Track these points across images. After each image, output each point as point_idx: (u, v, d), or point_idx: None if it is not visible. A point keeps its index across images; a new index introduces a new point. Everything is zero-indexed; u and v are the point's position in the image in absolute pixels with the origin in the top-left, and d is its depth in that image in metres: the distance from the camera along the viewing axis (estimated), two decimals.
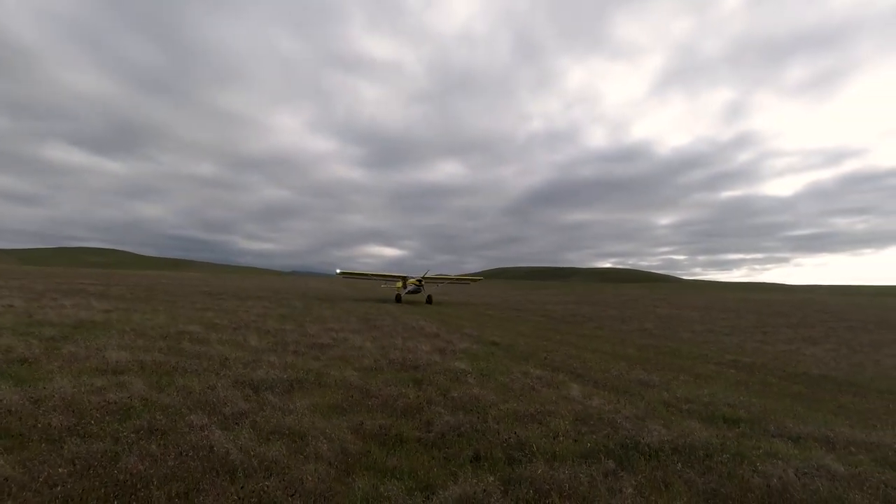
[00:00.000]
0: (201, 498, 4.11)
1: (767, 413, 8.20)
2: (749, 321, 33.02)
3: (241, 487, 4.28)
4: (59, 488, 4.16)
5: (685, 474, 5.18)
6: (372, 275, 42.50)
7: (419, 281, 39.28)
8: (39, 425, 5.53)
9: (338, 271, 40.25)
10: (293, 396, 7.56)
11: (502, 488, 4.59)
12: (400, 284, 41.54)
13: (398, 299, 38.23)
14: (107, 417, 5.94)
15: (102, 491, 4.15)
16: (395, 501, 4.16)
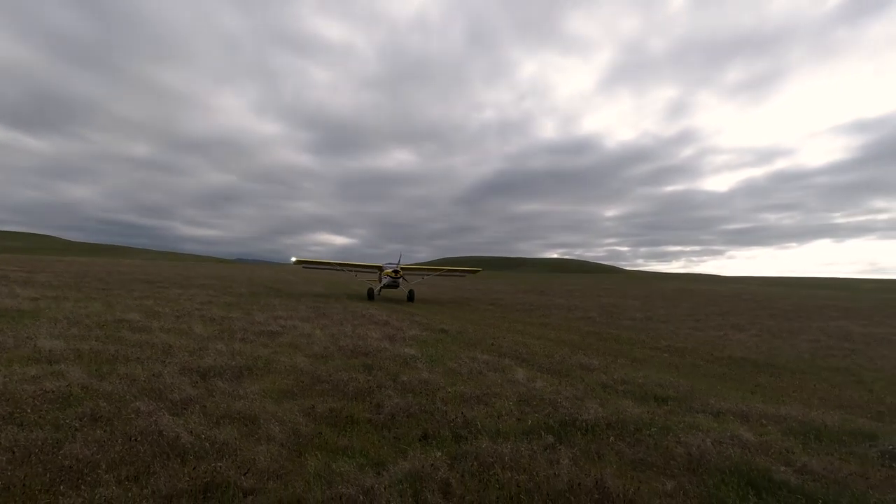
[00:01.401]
0: (153, 480, 4.13)
1: (693, 392, 8.91)
2: (684, 310, 35.03)
3: (193, 468, 4.33)
4: None
5: (617, 446, 5.64)
6: (335, 264, 33.93)
7: (395, 272, 30.58)
8: None
9: (293, 259, 32.43)
10: (243, 382, 7.55)
11: (449, 462, 4.86)
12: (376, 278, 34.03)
13: (370, 296, 30.34)
14: (45, 406, 5.77)
15: (47, 477, 4.10)
16: (347, 477, 4.33)
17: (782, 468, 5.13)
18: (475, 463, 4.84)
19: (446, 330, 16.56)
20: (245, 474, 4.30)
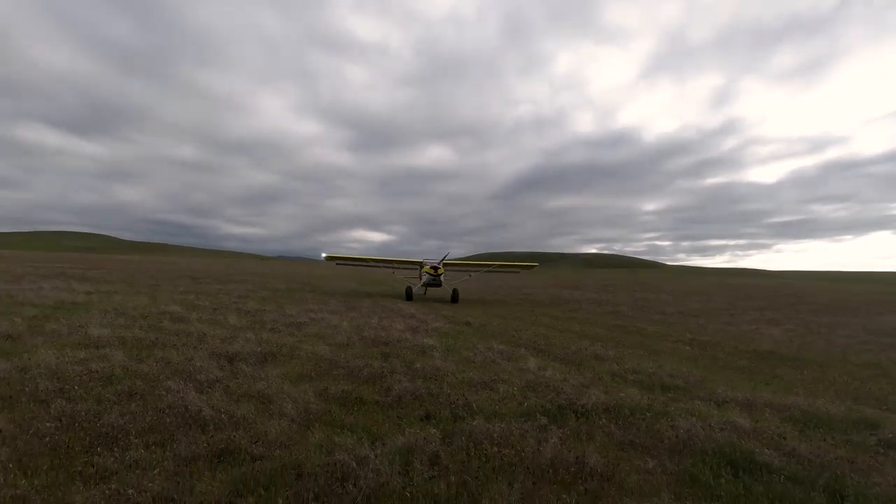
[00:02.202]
0: (175, 445, 4.69)
1: (703, 382, 8.98)
2: (720, 304, 34.18)
3: (211, 437, 4.87)
4: (47, 439, 4.71)
5: (608, 428, 5.90)
6: (369, 260, 30.92)
7: (434, 268, 26.81)
8: (27, 389, 6.05)
9: (323, 255, 30.01)
10: (265, 367, 8.14)
11: (442, 438, 5.25)
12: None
13: (409, 295, 26.96)
14: (90, 383, 6.47)
15: (87, 441, 4.71)
16: (346, 447, 4.77)
17: (768, 451, 5.27)
18: (466, 439, 5.21)
19: (470, 323, 16.91)
20: (255, 443, 4.81)
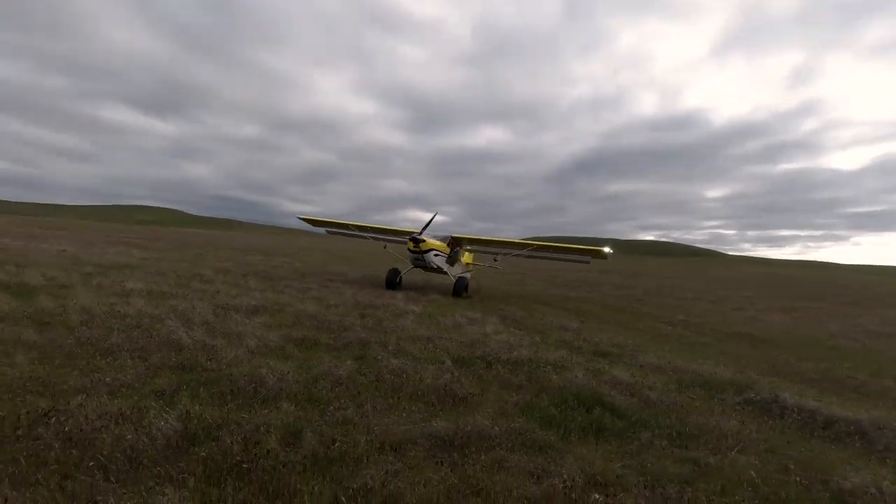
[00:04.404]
0: (151, 358, 6.37)
1: (637, 351, 9.91)
2: (746, 293, 33.74)
3: (181, 356, 6.52)
4: (65, 349, 6.50)
5: (501, 374, 7.12)
6: (352, 226, 22.48)
7: (414, 241, 17.79)
8: (61, 319, 7.97)
9: (299, 217, 23.01)
10: (253, 317, 9.81)
11: (356, 368, 6.66)
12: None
13: (392, 282, 18.58)
14: (108, 318, 8.32)
15: (91, 352, 6.46)
16: (271, 367, 6.24)
17: (620, 396, 6.36)
18: (371, 370, 6.62)
19: (469, 296, 18.18)
20: (210, 361, 6.42)
